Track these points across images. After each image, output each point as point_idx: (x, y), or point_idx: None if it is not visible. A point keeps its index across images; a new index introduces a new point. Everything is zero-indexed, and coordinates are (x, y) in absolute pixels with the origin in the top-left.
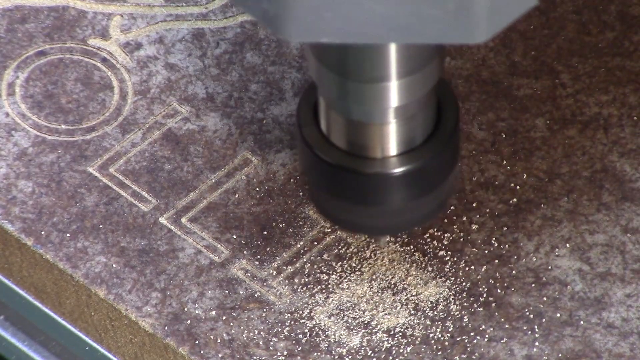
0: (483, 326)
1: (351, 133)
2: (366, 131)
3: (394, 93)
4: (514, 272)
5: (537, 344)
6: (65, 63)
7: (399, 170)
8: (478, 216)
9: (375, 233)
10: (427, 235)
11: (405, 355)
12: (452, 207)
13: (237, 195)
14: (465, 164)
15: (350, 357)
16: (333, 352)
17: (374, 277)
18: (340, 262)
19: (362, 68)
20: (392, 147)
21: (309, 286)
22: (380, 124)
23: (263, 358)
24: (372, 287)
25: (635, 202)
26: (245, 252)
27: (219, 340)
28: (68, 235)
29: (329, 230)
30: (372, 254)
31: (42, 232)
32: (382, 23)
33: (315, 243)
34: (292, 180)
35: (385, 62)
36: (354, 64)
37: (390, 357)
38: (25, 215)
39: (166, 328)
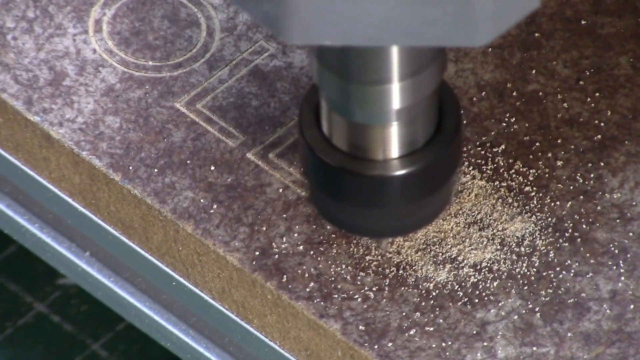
0: (569, 261)
1: (353, 135)
2: (368, 133)
3: (395, 95)
4: (598, 207)
5: (622, 278)
6: (152, 0)
7: (400, 172)
8: (563, 152)
9: (377, 235)
10: (513, 170)
11: (492, 290)
12: (537, 144)
13: None
14: (551, 101)
15: (437, 291)
16: (420, 286)
17: (460, 212)
18: None
19: (364, 70)
20: (394, 149)
21: None
22: (382, 126)
23: (350, 292)
24: (458, 223)
25: None
26: None
27: (306, 275)
28: (156, 170)
29: None
30: (458, 190)
31: (130, 168)
32: (383, 26)
33: None
34: None
35: (387, 64)
36: (355, 66)
37: (477, 292)
38: (113, 151)
39: (254, 263)
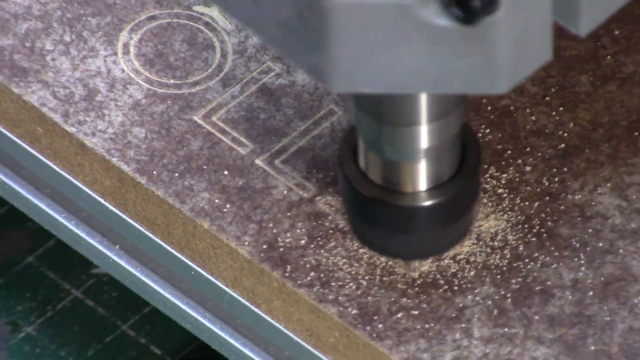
0: (536, 254)
1: (386, 170)
2: (399, 169)
3: (424, 136)
4: (562, 207)
5: (582, 269)
6: (173, 26)
7: (427, 203)
8: (531, 159)
9: (407, 257)
10: (487, 175)
11: (469, 279)
12: (508, 152)
13: (322, 141)
14: (520, 115)
15: (421, 280)
16: (406, 276)
17: None
18: None
19: (396, 114)
20: (422, 182)
21: None
22: (412, 163)
23: (346, 280)
24: None
25: None
26: (330, 190)
27: (307, 265)
28: (176, 174)
29: None
30: None
31: (154, 172)
32: (414, 76)
33: None
34: None
35: (417, 109)
36: (388, 110)
37: (456, 281)
38: (139, 158)
39: (262, 255)
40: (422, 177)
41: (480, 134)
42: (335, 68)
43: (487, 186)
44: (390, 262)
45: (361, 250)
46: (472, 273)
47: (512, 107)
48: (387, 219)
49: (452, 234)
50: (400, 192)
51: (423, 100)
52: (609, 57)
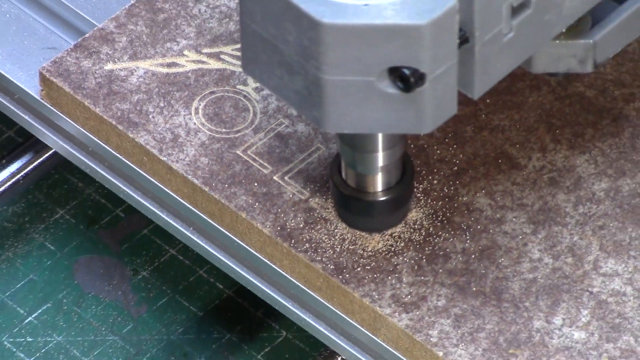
0: (440, 232)
1: (357, 179)
2: (365, 178)
3: (380, 158)
4: (455, 205)
5: (468, 241)
6: (225, 97)
7: (382, 199)
8: (437, 176)
9: (370, 232)
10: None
11: (400, 247)
12: (423, 172)
13: (313, 165)
14: (430, 149)
15: (372, 248)
16: (362, 246)
17: None
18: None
19: (364, 145)
20: (379, 186)
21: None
22: (373, 175)
23: (327, 248)
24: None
25: (519, 182)
26: (317, 194)
27: (304, 239)
28: (226, 185)
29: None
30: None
31: (213, 184)
32: (375, 122)
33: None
34: None
35: (376, 142)
36: (359, 142)
37: (393, 248)
38: (204, 175)
39: (277, 233)
40: (379, 183)
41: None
42: (328, 118)
43: (413, 192)
44: (353, 237)
45: (336, 230)
46: (402, 244)
47: (425, 145)
48: (358, 208)
49: (397, 217)
50: (366, 192)
51: (380, 137)
52: (483, 115)
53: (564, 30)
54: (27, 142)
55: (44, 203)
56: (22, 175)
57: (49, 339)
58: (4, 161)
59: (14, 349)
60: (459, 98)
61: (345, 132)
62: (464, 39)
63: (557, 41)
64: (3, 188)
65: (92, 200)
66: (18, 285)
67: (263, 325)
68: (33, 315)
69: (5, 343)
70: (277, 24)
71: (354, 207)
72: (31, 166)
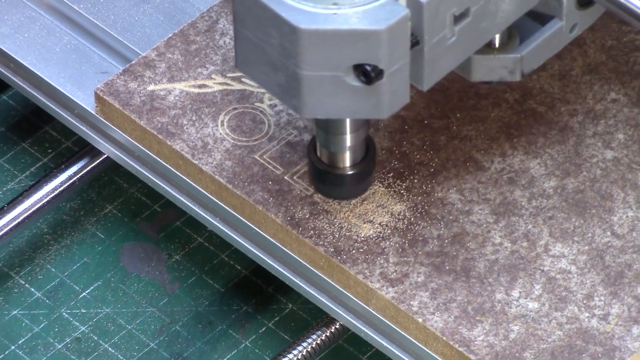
0: (419, 222)
1: (330, 156)
2: (336, 155)
3: (348, 140)
4: (432, 200)
5: (442, 229)
6: (245, 112)
7: (350, 172)
8: (417, 177)
9: (340, 198)
10: (397, 184)
11: (387, 234)
12: (405, 173)
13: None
14: (412, 156)
15: (364, 235)
16: (357, 233)
17: (373, 200)
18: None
19: (335, 128)
20: (347, 162)
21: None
22: (342, 153)
23: (325, 231)
24: (374, 205)
25: (483, 181)
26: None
27: (309, 227)
28: (246, 183)
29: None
30: (369, 195)
31: (236, 182)
32: (343, 109)
33: None
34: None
35: (344, 126)
36: (331, 126)
37: (381, 234)
38: (228, 176)
39: (287, 222)
40: (347, 160)
41: (392, 165)
42: (304, 106)
43: (397, 189)
44: (349, 226)
45: (335, 220)
46: (388, 231)
47: (407, 151)
48: (330, 180)
49: (363, 187)
50: (337, 167)
51: (348, 122)
52: (454, 127)
53: (497, 36)
54: (82, 150)
55: (95, 200)
56: (78, 177)
57: (99, 311)
58: (63, 166)
59: (71, 319)
60: (434, 113)
61: (319, 118)
62: (415, 42)
63: (492, 55)
64: (63, 188)
65: (134, 198)
66: (74, 267)
67: (273, 299)
68: (86, 292)
69: (64, 314)
70: (263, 30)
71: (328, 180)
72: (85, 170)
